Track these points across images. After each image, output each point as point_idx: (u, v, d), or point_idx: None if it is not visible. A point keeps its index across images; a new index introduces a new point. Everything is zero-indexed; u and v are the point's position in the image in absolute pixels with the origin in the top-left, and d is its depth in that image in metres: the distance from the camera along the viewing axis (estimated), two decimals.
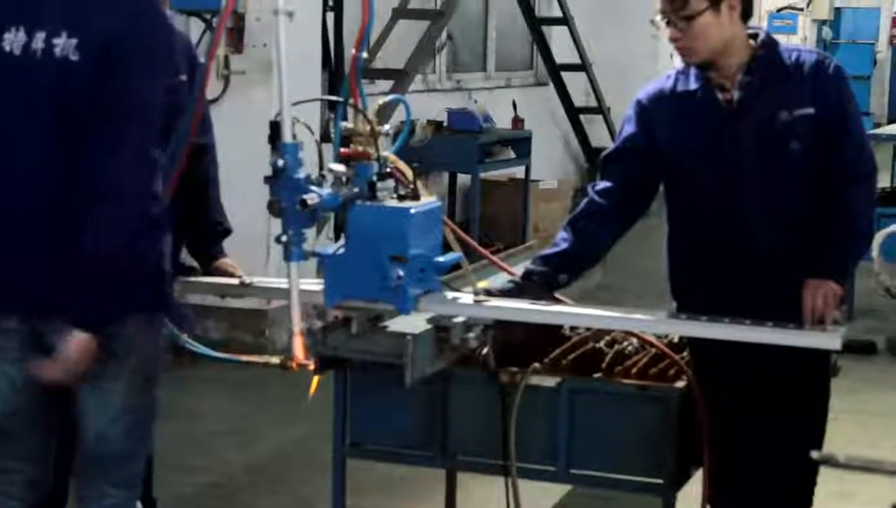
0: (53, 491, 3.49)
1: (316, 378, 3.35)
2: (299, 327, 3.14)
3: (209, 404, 6.32)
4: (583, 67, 12.01)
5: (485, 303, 3.34)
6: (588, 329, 4.04)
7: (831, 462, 2.50)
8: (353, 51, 3.20)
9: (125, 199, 3.08)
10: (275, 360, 3.35)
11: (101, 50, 3.08)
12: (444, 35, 10.51)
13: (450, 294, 3.33)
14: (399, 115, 6.39)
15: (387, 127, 3.24)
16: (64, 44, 3.11)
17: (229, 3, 3.32)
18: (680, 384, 3.71)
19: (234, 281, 3.82)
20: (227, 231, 4.11)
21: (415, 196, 3.20)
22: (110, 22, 3.10)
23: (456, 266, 3.35)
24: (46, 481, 3.43)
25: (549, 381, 3.71)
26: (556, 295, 3.71)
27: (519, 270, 3.78)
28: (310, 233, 3.14)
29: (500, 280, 3.75)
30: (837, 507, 4.87)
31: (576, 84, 12.29)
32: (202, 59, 3.87)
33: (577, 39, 11.83)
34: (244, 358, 3.60)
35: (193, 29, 7.00)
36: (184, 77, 3.86)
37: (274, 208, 3.09)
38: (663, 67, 7.65)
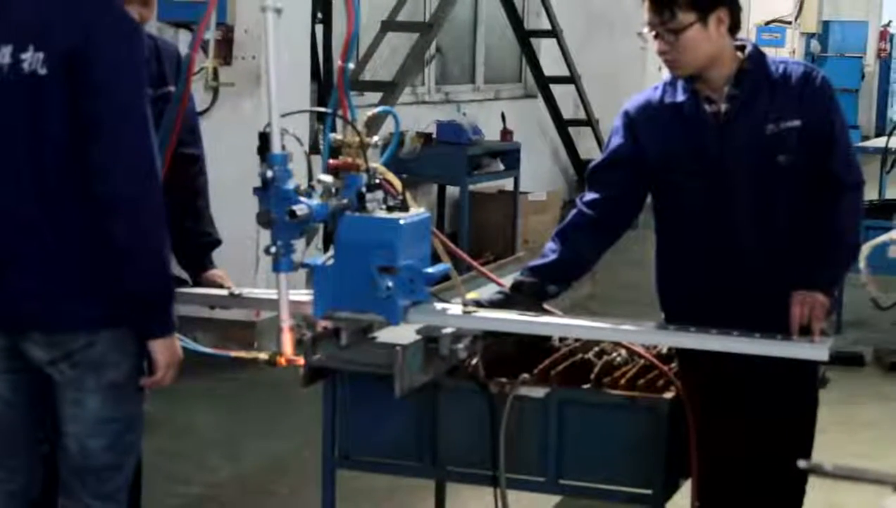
0: (40, 504, 3.48)
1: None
2: (288, 323, 3.14)
3: (198, 416, 6.30)
4: (571, 79, 12.03)
5: (474, 314, 3.35)
6: (577, 340, 4.05)
7: (819, 471, 2.50)
8: (340, 62, 3.21)
9: (139, 205, 3.10)
10: (263, 356, 3.34)
11: (67, 61, 3.06)
12: (433, 47, 10.54)
13: (439, 305, 3.34)
14: (388, 126, 6.38)
15: (376, 138, 3.25)
16: (31, 58, 3.09)
17: (210, 6, 3.33)
18: (668, 394, 3.72)
19: (224, 292, 3.82)
20: (217, 242, 4.10)
21: (403, 207, 3.21)
22: (72, 31, 3.08)
23: (445, 277, 3.36)
24: (32, 493, 3.42)
25: (539, 391, 3.71)
26: (545, 306, 3.71)
27: (508, 281, 3.79)
28: (299, 244, 3.15)
29: (489, 291, 3.76)
30: None
31: (564, 96, 12.32)
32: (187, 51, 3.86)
33: (565, 52, 11.85)
34: (233, 354, 3.60)
35: (183, 41, 6.99)
36: (173, 88, 3.87)
37: (263, 219, 3.10)
38: (651, 80, 7.67)
